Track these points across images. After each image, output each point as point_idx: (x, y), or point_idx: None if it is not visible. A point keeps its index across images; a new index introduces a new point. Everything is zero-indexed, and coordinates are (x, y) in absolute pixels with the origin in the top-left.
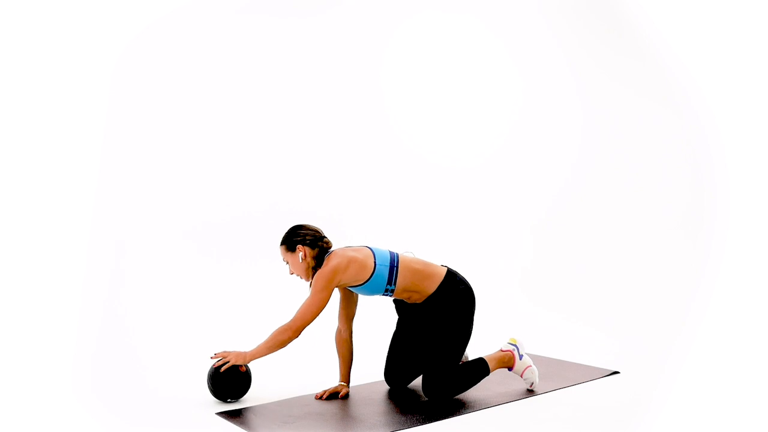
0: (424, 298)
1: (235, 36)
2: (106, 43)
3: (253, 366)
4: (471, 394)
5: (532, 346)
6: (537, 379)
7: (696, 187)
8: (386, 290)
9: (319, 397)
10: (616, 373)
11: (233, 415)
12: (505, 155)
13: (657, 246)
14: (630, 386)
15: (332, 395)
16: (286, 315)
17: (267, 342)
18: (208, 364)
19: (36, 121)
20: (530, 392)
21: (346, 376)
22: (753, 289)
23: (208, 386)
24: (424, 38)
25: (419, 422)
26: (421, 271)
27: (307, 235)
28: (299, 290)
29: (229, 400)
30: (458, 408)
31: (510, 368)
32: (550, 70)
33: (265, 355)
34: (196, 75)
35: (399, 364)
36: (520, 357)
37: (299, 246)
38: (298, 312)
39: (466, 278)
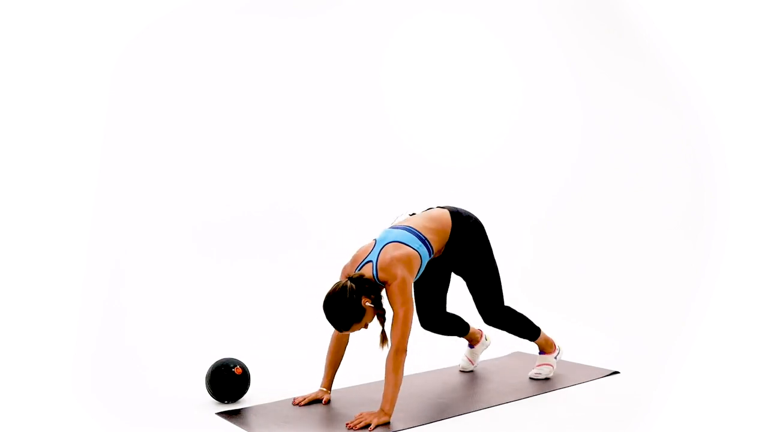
0: (443, 249)
1: (235, 36)
2: (106, 43)
3: (252, 366)
4: (471, 394)
5: (531, 345)
6: (546, 377)
7: (696, 187)
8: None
9: (298, 404)
10: (616, 373)
11: (233, 415)
12: (505, 155)
13: (657, 246)
14: (630, 386)
15: (313, 401)
16: (286, 314)
17: (390, 380)
18: (208, 364)
19: (36, 121)
20: (530, 391)
21: (331, 383)
22: (753, 289)
23: (206, 387)
24: (424, 38)
25: (420, 422)
26: (436, 230)
27: (355, 293)
28: (299, 290)
29: (226, 401)
30: (458, 408)
31: (543, 352)
32: (550, 70)
33: (398, 392)
34: (196, 75)
35: (433, 310)
36: (555, 357)
37: (366, 305)
38: (397, 330)
39: (469, 211)
